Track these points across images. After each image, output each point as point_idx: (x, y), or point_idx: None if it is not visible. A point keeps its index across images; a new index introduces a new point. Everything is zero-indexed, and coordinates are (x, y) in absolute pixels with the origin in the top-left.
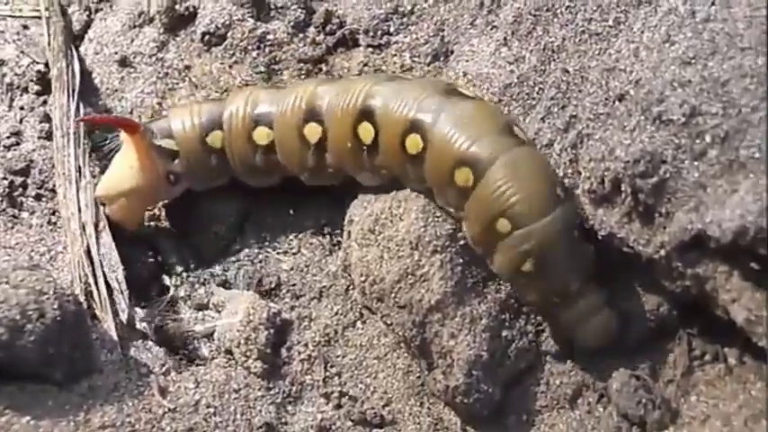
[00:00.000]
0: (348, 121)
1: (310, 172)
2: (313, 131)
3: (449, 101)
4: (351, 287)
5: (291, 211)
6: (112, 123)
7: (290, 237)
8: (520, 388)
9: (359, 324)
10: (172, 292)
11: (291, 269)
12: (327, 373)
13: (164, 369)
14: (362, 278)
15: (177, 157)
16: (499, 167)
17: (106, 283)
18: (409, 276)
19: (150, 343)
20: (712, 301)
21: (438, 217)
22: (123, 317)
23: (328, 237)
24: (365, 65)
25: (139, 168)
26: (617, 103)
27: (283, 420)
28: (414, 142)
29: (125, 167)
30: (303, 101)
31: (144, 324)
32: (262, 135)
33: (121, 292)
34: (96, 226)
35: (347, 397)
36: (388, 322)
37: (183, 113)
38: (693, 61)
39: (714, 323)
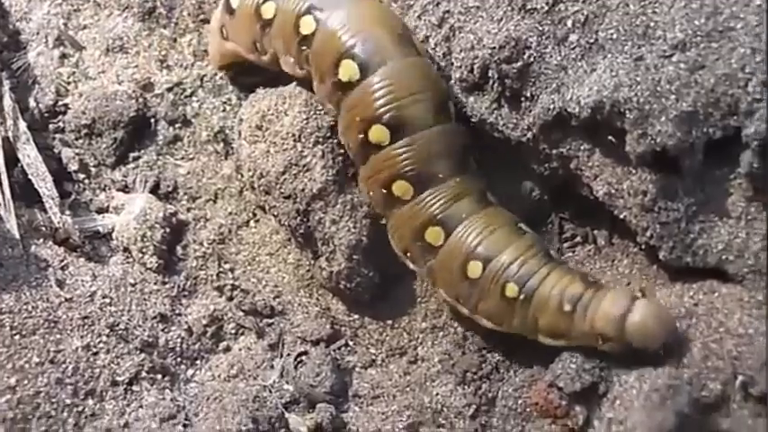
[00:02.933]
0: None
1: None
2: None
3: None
4: (244, 188)
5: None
6: None
7: (187, 144)
8: (400, 274)
9: (252, 223)
10: (74, 196)
11: (188, 173)
12: (221, 269)
13: (62, 264)
14: (251, 173)
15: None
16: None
17: (10, 185)
18: (293, 167)
19: (50, 242)
20: (578, 180)
21: (320, 110)
22: (58, 224)
23: (222, 143)
24: None
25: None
26: None
27: (177, 312)
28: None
29: None
30: None
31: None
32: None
33: (52, 198)
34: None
35: (239, 290)
36: (276, 213)
37: None
38: None
39: (584, 206)
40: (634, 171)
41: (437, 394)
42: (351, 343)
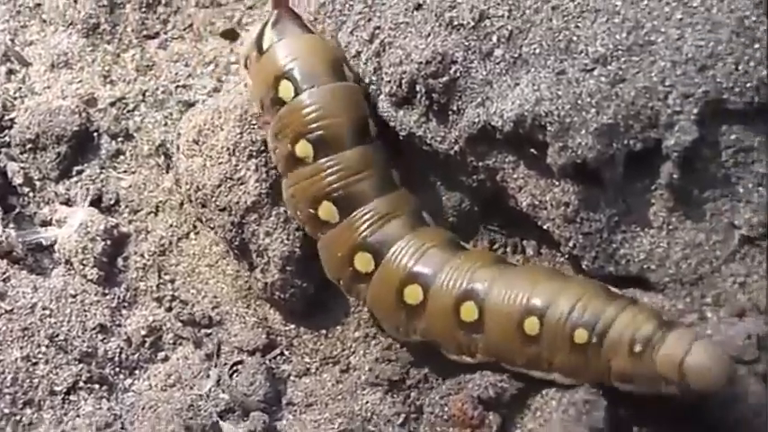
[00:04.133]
0: None
1: None
2: None
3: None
4: (184, 201)
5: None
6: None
7: (129, 157)
8: (334, 284)
9: (192, 235)
10: (18, 209)
11: (130, 186)
12: (161, 280)
13: (4, 276)
14: (188, 186)
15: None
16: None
17: None
18: (228, 180)
19: None
20: (504, 192)
21: (254, 125)
22: (1, 237)
23: (164, 157)
24: None
25: None
26: (415, 12)
27: (117, 322)
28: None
29: None
30: None
31: None
32: None
33: None
34: None
35: (178, 301)
36: (212, 226)
37: None
38: None
39: (513, 217)
40: (557, 183)
41: (367, 402)
42: (286, 352)
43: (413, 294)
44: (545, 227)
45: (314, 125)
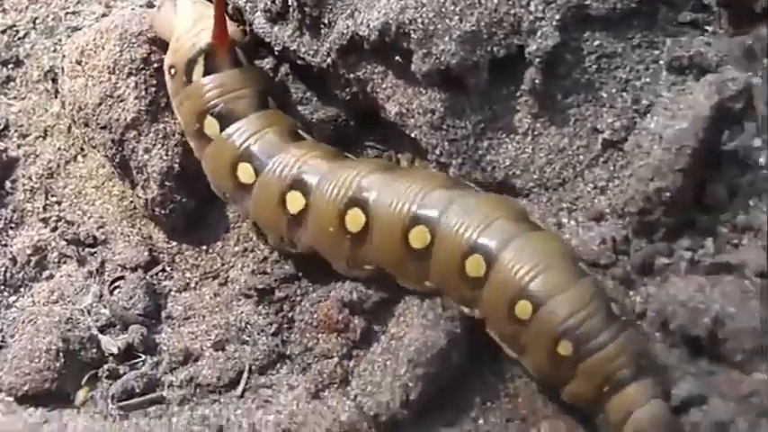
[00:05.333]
0: None
1: None
2: None
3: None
4: (72, 125)
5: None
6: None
7: (19, 83)
8: (216, 199)
9: (79, 158)
10: None
11: (19, 111)
12: (47, 202)
13: None
14: (71, 107)
15: None
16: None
17: None
18: (108, 99)
19: None
20: (376, 104)
21: (134, 43)
22: None
23: (52, 82)
24: None
25: None
26: None
27: (2, 243)
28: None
29: None
30: None
31: None
32: None
33: None
34: None
35: (64, 221)
36: (95, 145)
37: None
38: None
39: (388, 130)
40: (423, 91)
41: (242, 313)
42: (168, 269)
43: (294, 202)
44: (413, 135)
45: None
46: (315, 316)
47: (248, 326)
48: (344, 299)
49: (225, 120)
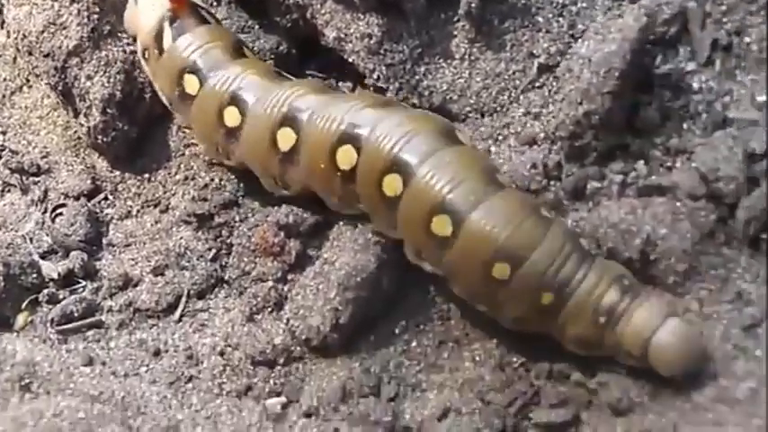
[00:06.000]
0: None
1: None
2: None
3: None
4: (18, 56)
5: None
6: None
7: None
8: (159, 128)
9: (25, 89)
10: None
11: None
12: None
13: None
14: (16, 35)
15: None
16: None
17: None
18: (51, 26)
19: None
20: (316, 30)
21: None
22: None
23: None
24: None
25: None
26: None
27: None
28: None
29: None
30: None
31: None
32: None
33: None
34: None
35: (8, 150)
36: (38, 73)
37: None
38: None
39: (329, 58)
40: (361, 16)
41: (181, 239)
42: (110, 197)
43: (231, 117)
44: (351, 60)
45: None
46: (252, 240)
47: (187, 251)
48: (280, 222)
49: (203, 73)
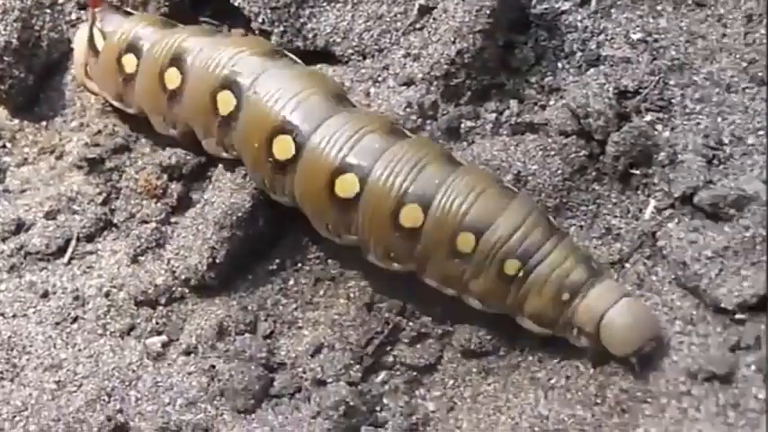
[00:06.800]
0: None
1: None
2: None
3: None
4: None
5: None
6: None
7: None
8: (56, 76)
9: None
10: None
11: None
12: None
13: None
14: None
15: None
16: None
17: None
18: None
19: None
20: None
21: None
22: None
23: None
24: None
25: None
26: None
27: None
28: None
29: None
30: None
31: None
32: None
33: None
34: None
35: None
36: None
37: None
38: None
39: (221, 6)
40: None
41: (73, 184)
42: (8, 145)
43: (128, 64)
44: (236, 4)
45: None
46: (138, 183)
47: (79, 196)
48: (163, 164)
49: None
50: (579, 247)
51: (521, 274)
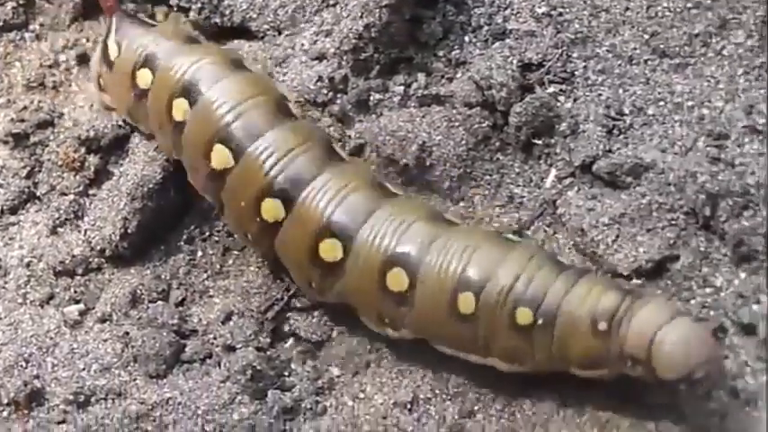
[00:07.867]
0: None
1: None
2: None
3: None
4: None
5: None
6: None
7: None
8: None
9: None
10: None
11: None
12: None
13: None
14: None
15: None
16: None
17: None
18: None
19: None
20: None
21: None
22: None
23: None
24: None
25: None
26: None
27: None
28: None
29: None
30: None
31: None
32: None
33: None
34: None
35: None
36: None
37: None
38: None
39: None
40: None
41: None
42: None
43: (178, 111)
44: None
45: None
46: (59, 156)
47: (3, 169)
48: (81, 137)
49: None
50: (606, 279)
51: (539, 321)
